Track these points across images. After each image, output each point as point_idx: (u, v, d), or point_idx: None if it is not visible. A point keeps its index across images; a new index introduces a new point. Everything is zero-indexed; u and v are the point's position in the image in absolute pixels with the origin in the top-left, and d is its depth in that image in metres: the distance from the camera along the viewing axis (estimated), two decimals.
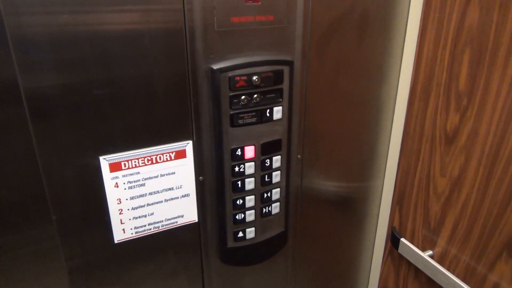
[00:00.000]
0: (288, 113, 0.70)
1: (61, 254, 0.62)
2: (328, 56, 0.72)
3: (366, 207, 0.93)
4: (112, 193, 0.61)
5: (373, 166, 0.89)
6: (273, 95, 0.67)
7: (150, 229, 0.66)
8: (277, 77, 0.66)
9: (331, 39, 0.71)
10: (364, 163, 0.87)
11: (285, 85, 0.67)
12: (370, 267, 1.01)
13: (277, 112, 0.68)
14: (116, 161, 0.59)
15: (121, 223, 0.63)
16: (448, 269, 0.76)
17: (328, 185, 0.84)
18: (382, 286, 0.98)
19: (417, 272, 0.84)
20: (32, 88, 0.52)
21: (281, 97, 0.68)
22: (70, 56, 0.52)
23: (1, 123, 0.52)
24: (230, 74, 0.62)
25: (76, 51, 0.52)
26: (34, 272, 0.61)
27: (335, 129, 0.79)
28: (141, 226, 0.65)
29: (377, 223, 0.96)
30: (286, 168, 0.74)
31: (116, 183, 0.60)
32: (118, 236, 0.64)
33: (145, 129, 0.60)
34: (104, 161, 0.59)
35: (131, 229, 0.64)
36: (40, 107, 0.53)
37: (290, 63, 0.67)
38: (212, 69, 0.62)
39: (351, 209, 0.91)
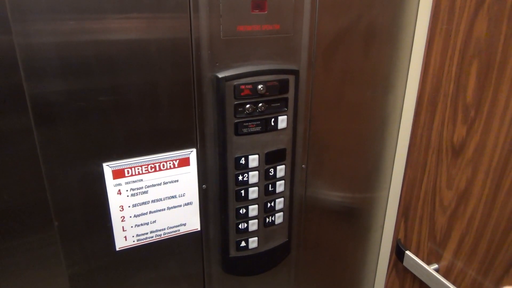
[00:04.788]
0: (293, 122, 0.69)
1: (62, 260, 0.61)
2: (334, 65, 0.72)
3: (370, 218, 0.92)
4: (114, 200, 0.61)
5: (378, 177, 0.88)
6: (278, 104, 0.66)
7: (152, 237, 0.66)
8: (283, 86, 0.66)
9: (338, 49, 0.71)
10: (369, 174, 0.87)
11: (290, 94, 0.67)
12: (375, 279, 0.99)
13: (282, 121, 0.68)
14: (120, 168, 0.59)
15: (123, 230, 0.63)
16: (454, 284, 0.74)
17: (332, 195, 0.84)
18: None
19: (422, 286, 0.82)
20: (37, 94, 0.52)
21: (286, 106, 0.67)
22: (76, 63, 0.53)
23: (6, 129, 0.52)
24: (235, 82, 0.62)
25: (81, 58, 0.53)
26: (35, 278, 0.61)
27: (340, 139, 0.79)
28: (143, 234, 0.65)
29: (381, 235, 0.95)
30: (290, 177, 0.73)
31: (119, 190, 0.60)
32: (120, 243, 0.64)
33: (149, 137, 0.60)
34: (108, 168, 0.58)
35: (133, 236, 0.64)
36: (44, 113, 0.53)
37: (295, 72, 0.67)
38: (217, 77, 0.61)
39: (356, 220, 0.90)
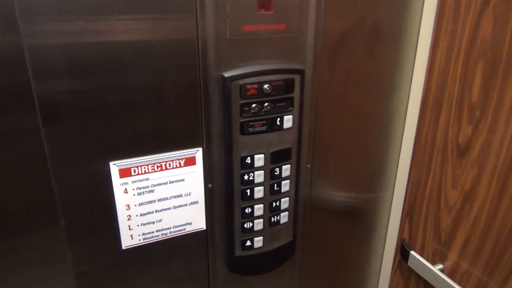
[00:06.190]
0: (298, 122, 0.70)
1: (69, 259, 0.62)
2: (339, 65, 0.72)
3: (375, 218, 0.92)
4: (121, 199, 0.61)
5: (382, 177, 0.88)
6: (284, 103, 0.67)
7: (158, 235, 0.66)
8: (288, 85, 0.66)
9: (343, 49, 0.71)
10: (374, 173, 0.87)
11: (295, 94, 0.67)
12: (379, 279, 0.99)
13: (288, 121, 0.68)
14: (126, 167, 0.59)
15: (129, 229, 0.63)
16: (459, 284, 0.74)
17: (337, 195, 0.84)
18: None
19: (427, 286, 0.82)
20: (44, 93, 0.52)
21: (292, 105, 0.67)
22: (83, 63, 0.53)
23: (13, 128, 0.52)
24: (241, 82, 0.62)
25: (88, 58, 0.53)
26: (41, 276, 0.61)
27: (345, 139, 0.79)
28: (149, 233, 0.65)
29: (386, 235, 0.95)
30: (295, 177, 0.73)
31: (126, 189, 0.61)
32: (126, 242, 0.64)
33: (155, 136, 0.61)
34: (114, 167, 0.59)
35: (139, 235, 0.64)
36: (52, 113, 0.53)
37: (301, 72, 0.67)
38: (223, 77, 0.62)
39: (360, 220, 0.90)
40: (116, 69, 0.55)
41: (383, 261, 0.97)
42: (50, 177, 0.56)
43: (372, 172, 0.86)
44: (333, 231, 0.87)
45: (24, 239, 0.58)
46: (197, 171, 0.65)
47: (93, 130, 0.56)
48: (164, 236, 0.67)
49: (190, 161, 0.64)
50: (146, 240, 0.65)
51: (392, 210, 0.92)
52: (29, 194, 0.56)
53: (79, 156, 0.57)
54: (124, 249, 0.65)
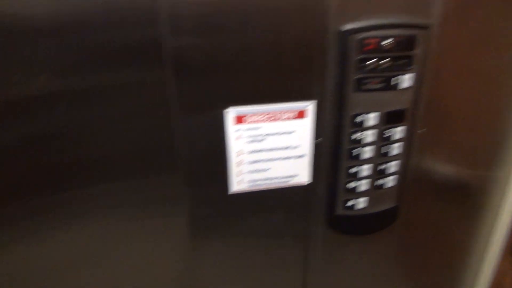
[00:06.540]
0: (417, 83, 0.65)
1: (184, 201, 0.67)
2: (469, 23, 0.65)
3: (487, 197, 0.85)
4: (234, 145, 0.64)
5: (503, 154, 0.80)
6: (403, 61, 0.63)
7: (264, 184, 0.68)
8: (409, 42, 0.62)
9: (474, 5, 0.64)
10: (493, 149, 0.79)
11: (418, 52, 0.63)
12: (482, 263, 0.93)
13: (406, 81, 0.64)
14: (241, 114, 0.62)
15: (239, 175, 0.66)
16: None
17: (447, 168, 0.78)
18: (495, 285, 0.89)
19: None
20: (173, 47, 0.56)
21: (412, 64, 0.63)
22: (210, 19, 0.55)
23: (140, 79, 0.57)
24: (359, 36, 0.60)
25: (216, 15, 0.55)
26: (156, 217, 0.67)
27: (465, 107, 0.72)
28: (256, 180, 0.68)
29: (497, 216, 0.87)
30: (407, 141, 0.70)
31: (239, 135, 0.63)
32: (234, 187, 0.68)
33: (270, 87, 0.62)
34: (230, 114, 0.61)
35: (247, 182, 0.67)
36: (178, 64, 0.57)
37: (425, 28, 0.62)
38: (341, 31, 0.60)
39: (469, 198, 0.84)
40: (240, 24, 0.56)
41: (489, 245, 0.90)
42: (172, 124, 0.61)
43: (491, 147, 0.79)
44: (438, 204, 0.82)
45: (143, 181, 0.64)
46: (307, 125, 0.65)
47: (215, 81, 0.59)
48: (269, 185, 0.69)
49: (302, 114, 0.64)
50: (252, 187, 0.68)
51: (508, 190, 0.84)
52: (151, 140, 0.61)
53: (199, 105, 0.60)
54: (231, 194, 0.68)
